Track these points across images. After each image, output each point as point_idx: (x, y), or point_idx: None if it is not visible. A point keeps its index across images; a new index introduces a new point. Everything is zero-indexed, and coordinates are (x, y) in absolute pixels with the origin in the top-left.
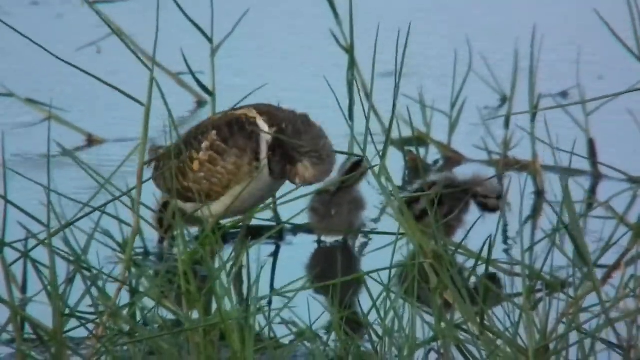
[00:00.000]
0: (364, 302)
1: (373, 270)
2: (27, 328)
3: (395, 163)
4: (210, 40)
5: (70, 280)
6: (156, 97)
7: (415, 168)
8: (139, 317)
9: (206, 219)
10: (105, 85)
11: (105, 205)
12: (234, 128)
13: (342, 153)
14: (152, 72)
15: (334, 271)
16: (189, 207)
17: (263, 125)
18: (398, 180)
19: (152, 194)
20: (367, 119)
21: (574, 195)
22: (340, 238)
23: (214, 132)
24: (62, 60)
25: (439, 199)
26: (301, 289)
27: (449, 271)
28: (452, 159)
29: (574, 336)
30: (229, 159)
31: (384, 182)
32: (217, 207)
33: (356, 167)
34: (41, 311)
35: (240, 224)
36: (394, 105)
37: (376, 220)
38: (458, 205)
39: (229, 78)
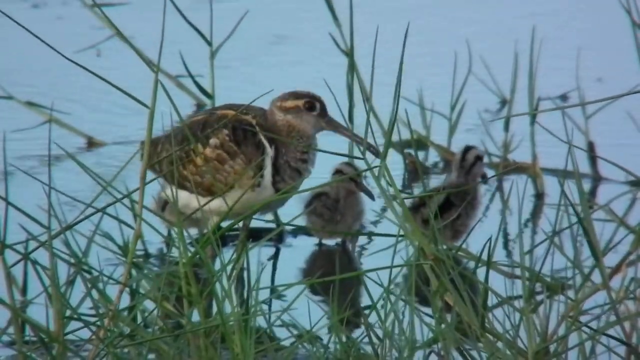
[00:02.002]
0: (365, 304)
1: (372, 269)
2: (28, 330)
3: (395, 165)
4: (209, 43)
5: (70, 282)
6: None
7: (414, 170)
8: (139, 319)
9: (206, 220)
10: (104, 89)
11: (106, 207)
12: (248, 133)
13: (341, 155)
14: (157, 75)
15: (334, 273)
16: (183, 196)
17: (266, 144)
18: (398, 183)
19: (151, 196)
20: (368, 118)
21: (573, 198)
22: (339, 240)
23: (225, 131)
24: (70, 60)
25: (448, 203)
26: (301, 292)
27: (449, 274)
28: (452, 161)
29: (574, 338)
30: (237, 162)
31: (384, 184)
32: (214, 205)
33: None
34: (42, 313)
35: (240, 225)
36: (396, 108)
37: (376, 223)
38: (465, 210)
39: (228, 81)
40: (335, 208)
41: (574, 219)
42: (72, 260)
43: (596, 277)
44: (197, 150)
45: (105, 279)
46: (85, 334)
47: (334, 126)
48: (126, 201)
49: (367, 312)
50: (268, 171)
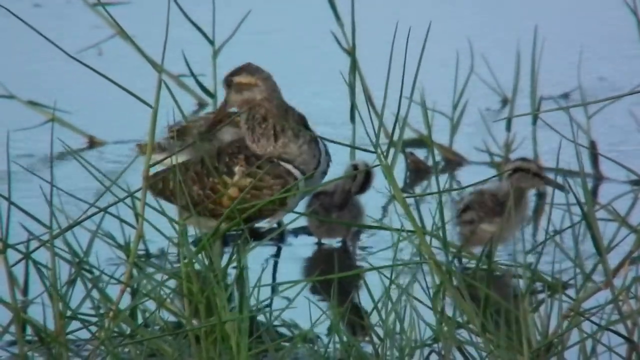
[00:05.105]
0: (366, 304)
1: (373, 268)
2: (29, 330)
3: (397, 165)
4: (212, 42)
5: (71, 282)
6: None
7: (416, 170)
8: (140, 319)
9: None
10: (106, 88)
11: (109, 207)
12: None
13: (347, 145)
14: (161, 74)
15: (335, 272)
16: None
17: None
18: (400, 182)
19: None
20: (380, 121)
21: (578, 193)
22: (340, 239)
23: (242, 156)
24: (73, 58)
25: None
26: (301, 290)
27: (449, 274)
28: (454, 161)
29: (575, 337)
30: (271, 183)
31: (388, 183)
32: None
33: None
34: (43, 313)
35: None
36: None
37: (378, 222)
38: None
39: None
40: (330, 206)
41: (575, 218)
42: (74, 260)
43: (597, 277)
44: (225, 182)
45: (106, 278)
46: (87, 333)
47: None
48: (128, 200)
49: (368, 311)
50: (291, 167)
